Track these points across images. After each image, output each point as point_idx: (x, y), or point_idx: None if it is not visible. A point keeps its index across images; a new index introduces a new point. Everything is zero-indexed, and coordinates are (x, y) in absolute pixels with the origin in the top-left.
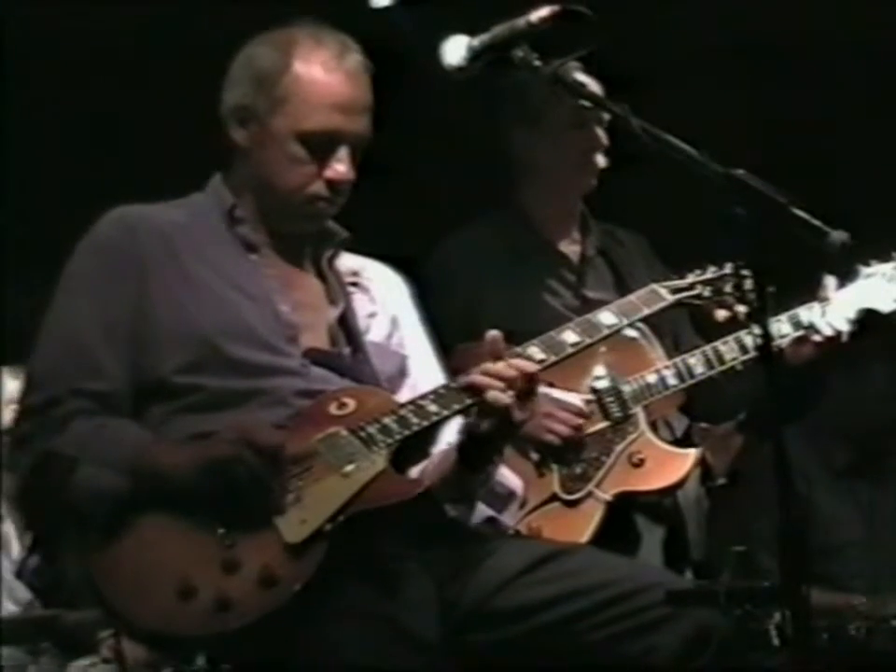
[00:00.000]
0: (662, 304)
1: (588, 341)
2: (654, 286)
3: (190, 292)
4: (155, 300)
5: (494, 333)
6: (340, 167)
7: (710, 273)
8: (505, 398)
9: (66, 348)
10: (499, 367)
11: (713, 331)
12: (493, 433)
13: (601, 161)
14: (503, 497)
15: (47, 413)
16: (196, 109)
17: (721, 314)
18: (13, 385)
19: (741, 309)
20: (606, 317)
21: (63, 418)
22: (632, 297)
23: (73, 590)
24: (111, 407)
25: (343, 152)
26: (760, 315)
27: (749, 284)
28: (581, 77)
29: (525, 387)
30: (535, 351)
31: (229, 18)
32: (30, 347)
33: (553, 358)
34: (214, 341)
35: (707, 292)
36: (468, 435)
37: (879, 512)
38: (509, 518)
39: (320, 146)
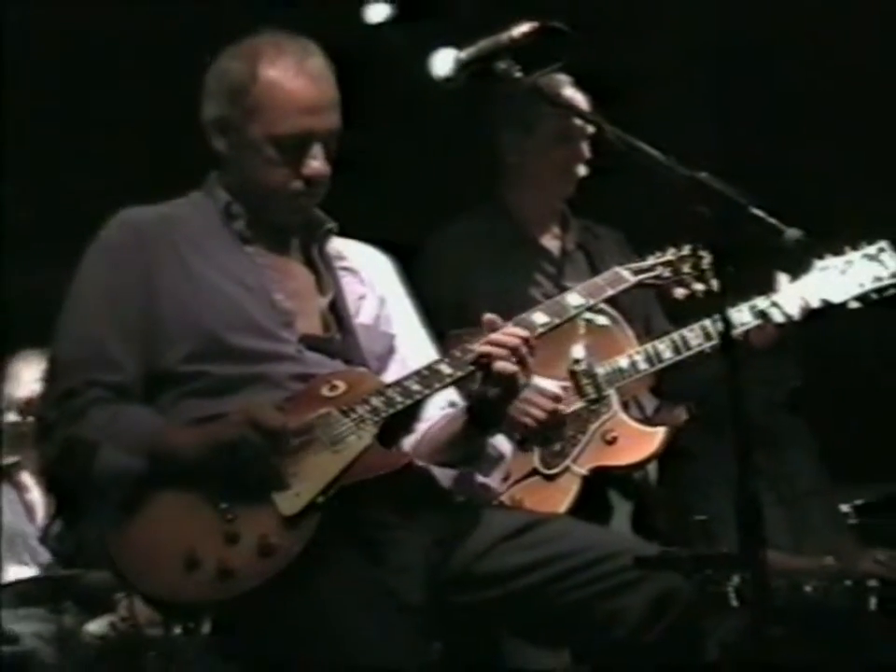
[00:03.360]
0: (624, 285)
1: (556, 321)
2: (617, 268)
3: (192, 287)
4: (160, 296)
5: (490, 316)
6: (315, 164)
7: (670, 254)
8: (511, 366)
9: (82, 344)
10: (501, 337)
11: (677, 311)
12: (498, 397)
13: (582, 170)
14: (494, 459)
15: (67, 403)
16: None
17: (680, 292)
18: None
19: (699, 287)
20: (573, 298)
21: (82, 407)
22: (597, 279)
23: (92, 554)
24: (125, 396)
25: (316, 150)
26: (721, 296)
27: (706, 264)
28: (570, 91)
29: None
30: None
31: (229, 17)
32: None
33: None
34: (215, 331)
35: (666, 272)
36: (476, 400)
37: (778, 478)
38: (497, 477)
39: (294, 146)
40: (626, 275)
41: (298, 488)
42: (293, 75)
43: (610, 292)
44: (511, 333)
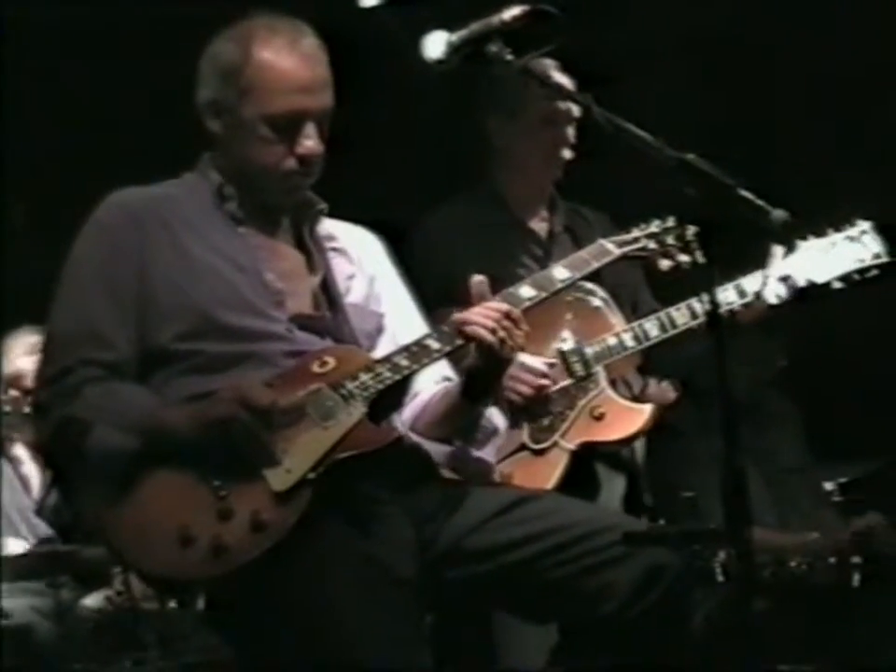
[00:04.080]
0: (609, 258)
1: (543, 294)
2: (602, 241)
3: (186, 266)
4: (154, 275)
5: (479, 277)
6: (308, 142)
7: (654, 226)
8: (488, 334)
9: (76, 323)
10: (481, 310)
11: (665, 292)
12: (486, 369)
13: (568, 154)
14: (489, 432)
15: (61, 381)
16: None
17: (665, 263)
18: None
19: (684, 258)
20: (559, 272)
21: (77, 385)
22: (582, 252)
23: (88, 529)
24: (119, 374)
25: (309, 129)
26: (707, 273)
27: (690, 235)
28: (557, 74)
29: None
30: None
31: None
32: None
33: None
34: (208, 310)
35: (651, 244)
36: (468, 373)
37: (763, 456)
38: (491, 451)
39: (288, 125)
40: (611, 248)
41: (289, 464)
42: (286, 54)
43: (595, 265)
44: (490, 307)
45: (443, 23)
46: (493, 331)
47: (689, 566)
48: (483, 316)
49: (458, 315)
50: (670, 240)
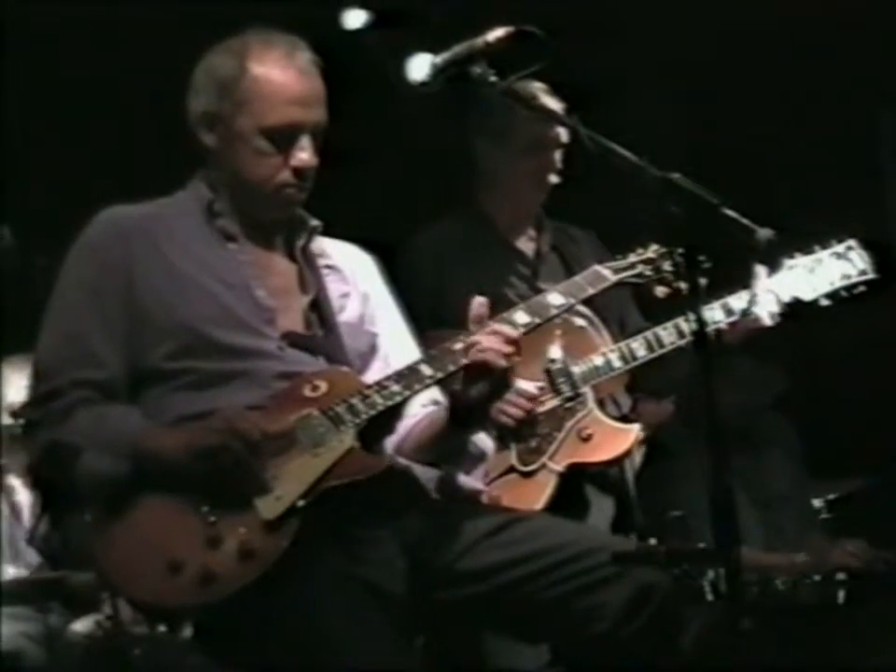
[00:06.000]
0: (605, 284)
1: (538, 320)
2: (598, 267)
3: (175, 284)
4: (144, 293)
5: (480, 300)
6: (303, 155)
7: (651, 251)
8: (503, 363)
9: (66, 342)
10: (490, 335)
11: (652, 309)
12: (486, 397)
13: (554, 179)
14: (477, 457)
15: (51, 403)
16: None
17: (661, 290)
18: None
19: (680, 285)
20: (554, 298)
21: (66, 408)
22: (577, 278)
23: (77, 554)
24: (110, 394)
25: (304, 141)
26: (693, 293)
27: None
28: (545, 97)
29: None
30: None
31: (221, 21)
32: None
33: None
34: (198, 327)
35: (647, 271)
36: (459, 400)
37: (753, 479)
38: (479, 474)
39: (283, 138)
40: (607, 274)
41: (278, 492)
42: (282, 68)
43: (591, 291)
44: (501, 333)
45: (428, 45)
46: (506, 357)
47: (678, 585)
48: (496, 342)
49: (469, 339)
50: (667, 266)
